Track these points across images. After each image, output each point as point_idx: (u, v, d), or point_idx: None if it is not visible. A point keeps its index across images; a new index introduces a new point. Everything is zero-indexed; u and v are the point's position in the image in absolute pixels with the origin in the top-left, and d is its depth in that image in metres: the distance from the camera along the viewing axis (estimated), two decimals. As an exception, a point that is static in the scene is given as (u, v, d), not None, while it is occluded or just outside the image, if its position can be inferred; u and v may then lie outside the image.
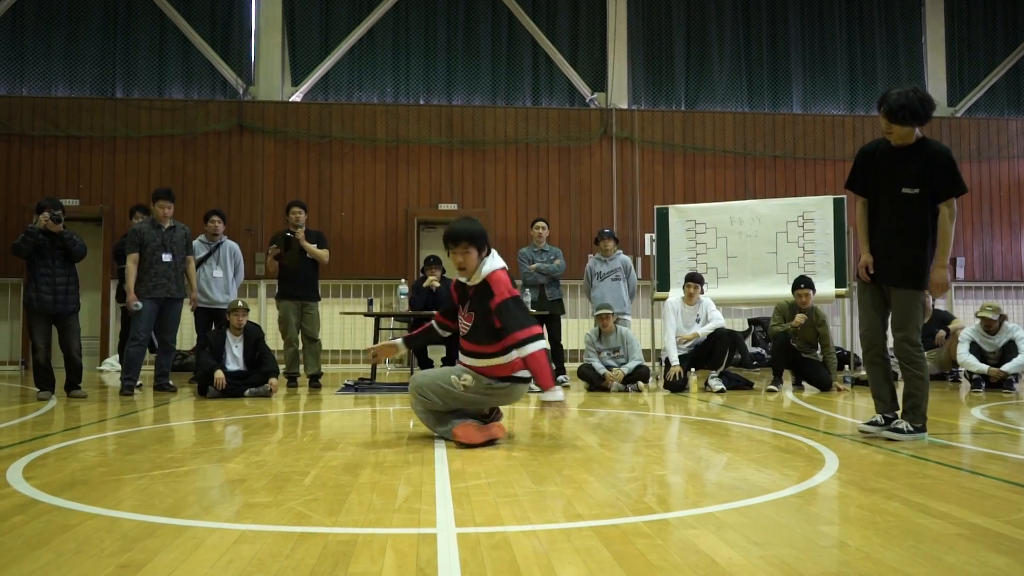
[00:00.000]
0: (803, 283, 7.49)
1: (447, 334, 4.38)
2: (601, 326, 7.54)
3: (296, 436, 4.35)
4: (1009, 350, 7.29)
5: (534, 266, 8.23)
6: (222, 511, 2.52)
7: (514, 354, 3.91)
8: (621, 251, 8.52)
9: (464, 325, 4.09)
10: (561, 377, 8.23)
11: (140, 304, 6.92)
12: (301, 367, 7.78)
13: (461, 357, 4.13)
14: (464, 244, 3.96)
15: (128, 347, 7.05)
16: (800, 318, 7.38)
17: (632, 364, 7.32)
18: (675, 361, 7.34)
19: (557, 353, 8.30)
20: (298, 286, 7.59)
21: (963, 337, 7.54)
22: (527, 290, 8.17)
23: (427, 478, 3.07)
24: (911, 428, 4.10)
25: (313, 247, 7.65)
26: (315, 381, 7.62)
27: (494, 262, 4.00)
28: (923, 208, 4.01)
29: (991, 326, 7.39)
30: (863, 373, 9.22)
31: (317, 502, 2.64)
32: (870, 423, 4.28)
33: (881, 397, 4.30)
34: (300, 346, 7.69)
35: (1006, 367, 7.16)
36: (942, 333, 8.39)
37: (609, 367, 7.33)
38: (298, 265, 7.58)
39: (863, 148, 4.31)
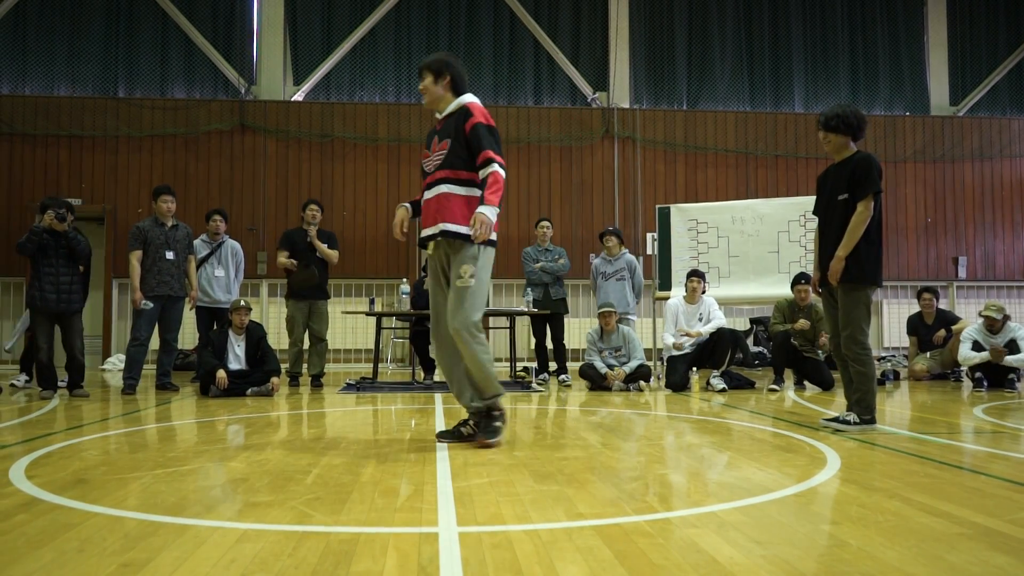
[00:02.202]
0: (803, 279, 7.50)
1: None
2: (603, 324, 7.54)
3: (298, 435, 4.35)
4: (1011, 349, 7.28)
5: (539, 265, 8.27)
6: (224, 510, 2.53)
7: (480, 174, 3.81)
8: (627, 250, 8.53)
9: (438, 156, 3.92)
10: (563, 376, 8.26)
11: (150, 304, 6.94)
12: (304, 366, 7.78)
13: (432, 192, 3.87)
14: (422, 73, 3.99)
15: (129, 347, 7.06)
16: (804, 323, 7.37)
17: (634, 363, 7.31)
18: (674, 340, 7.38)
19: (559, 352, 8.33)
20: (307, 285, 7.60)
21: (965, 336, 7.55)
22: (529, 289, 8.18)
23: (429, 477, 3.07)
24: (858, 420, 4.44)
25: (324, 247, 7.66)
26: (317, 381, 7.62)
27: (470, 96, 3.99)
28: (852, 210, 4.40)
29: (994, 325, 7.39)
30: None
31: (319, 501, 2.64)
32: (832, 419, 4.60)
33: (848, 397, 4.63)
34: (306, 345, 7.69)
35: (1010, 359, 7.14)
36: (942, 332, 8.38)
37: (611, 366, 7.33)
38: (308, 279, 7.58)
39: (819, 175, 4.78)
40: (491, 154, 3.78)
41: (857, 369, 4.47)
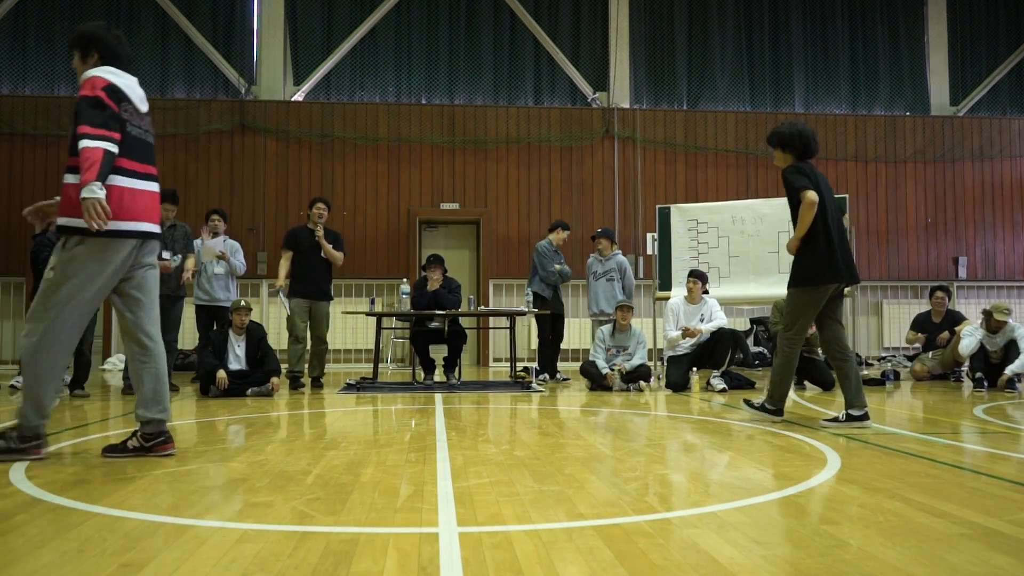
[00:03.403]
0: None
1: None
2: (619, 318, 7.52)
3: (298, 435, 4.35)
4: (1011, 350, 7.29)
5: (559, 267, 8.36)
6: (224, 510, 2.53)
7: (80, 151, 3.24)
8: (620, 251, 8.59)
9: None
10: (559, 375, 8.34)
11: (177, 258, 6.97)
12: (304, 367, 7.74)
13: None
14: (70, 49, 3.61)
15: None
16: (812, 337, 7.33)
17: (636, 361, 7.31)
18: (676, 333, 7.39)
19: (557, 350, 8.43)
20: (309, 284, 7.52)
21: (966, 332, 7.60)
22: (531, 290, 8.24)
23: (429, 477, 3.07)
24: (758, 404, 4.83)
25: (330, 248, 7.58)
26: (317, 382, 7.61)
27: (96, 69, 3.45)
28: (794, 221, 4.75)
29: (1000, 327, 7.40)
30: (866, 373, 9.22)
31: (319, 501, 2.64)
32: (831, 419, 4.66)
33: (845, 394, 4.68)
34: (308, 345, 7.63)
35: (1010, 368, 7.13)
36: (945, 335, 8.37)
37: (613, 366, 7.33)
38: (312, 263, 7.51)
39: None
40: (84, 128, 3.23)
41: (777, 360, 4.77)
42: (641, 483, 2.97)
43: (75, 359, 6.66)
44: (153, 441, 3.53)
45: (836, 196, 8.51)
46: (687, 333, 7.38)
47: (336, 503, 2.62)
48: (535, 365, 8.59)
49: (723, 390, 7.21)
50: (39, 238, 6.48)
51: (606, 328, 7.64)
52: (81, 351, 6.62)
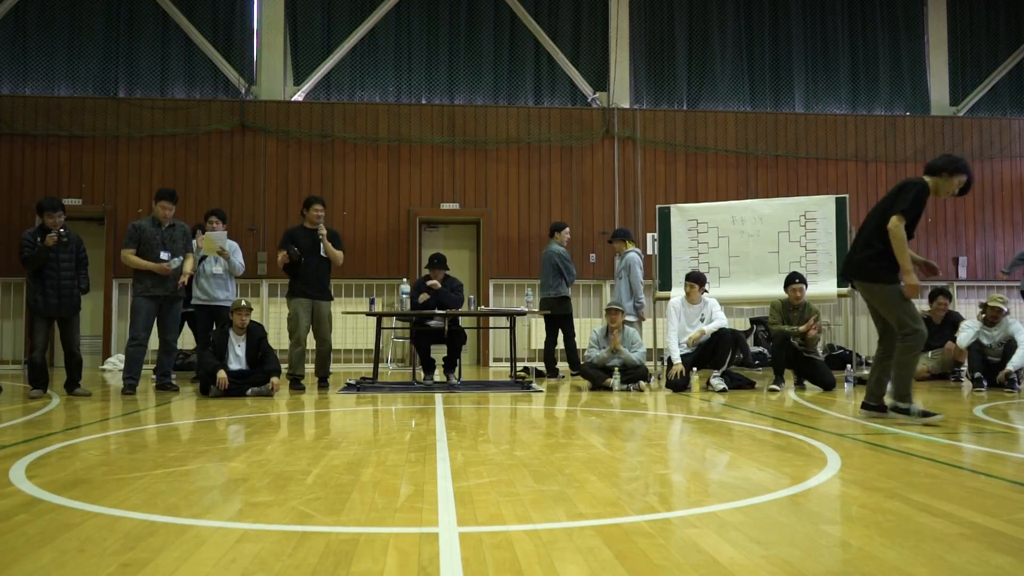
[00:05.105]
0: (797, 278, 7.53)
1: None
2: (608, 321, 7.54)
3: (298, 435, 4.35)
4: (1009, 349, 7.31)
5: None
6: (224, 510, 2.53)
7: None
8: (633, 250, 8.68)
9: None
10: (560, 374, 8.37)
11: (178, 260, 6.97)
12: (305, 369, 7.71)
13: None
14: None
15: (128, 347, 7.04)
16: (810, 333, 7.35)
17: (635, 356, 7.40)
18: (677, 359, 7.34)
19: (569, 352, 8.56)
20: (310, 285, 7.47)
21: (964, 326, 7.74)
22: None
23: (429, 477, 3.07)
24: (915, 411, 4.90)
25: (331, 247, 7.55)
26: (323, 382, 7.61)
27: None
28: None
29: (996, 315, 7.45)
30: (865, 372, 9.21)
31: (319, 501, 2.64)
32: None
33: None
34: (308, 346, 7.60)
35: (1011, 363, 7.16)
36: (951, 344, 8.37)
37: (610, 368, 7.34)
38: (313, 263, 7.44)
39: (927, 187, 4.80)
40: None
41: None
42: (641, 483, 2.98)
43: (66, 360, 6.65)
44: None
45: (837, 196, 8.65)
46: (679, 371, 7.34)
47: (336, 503, 2.62)
48: (536, 365, 8.61)
49: (723, 390, 7.21)
50: (38, 253, 6.43)
51: (599, 328, 7.67)
52: (72, 351, 6.60)
